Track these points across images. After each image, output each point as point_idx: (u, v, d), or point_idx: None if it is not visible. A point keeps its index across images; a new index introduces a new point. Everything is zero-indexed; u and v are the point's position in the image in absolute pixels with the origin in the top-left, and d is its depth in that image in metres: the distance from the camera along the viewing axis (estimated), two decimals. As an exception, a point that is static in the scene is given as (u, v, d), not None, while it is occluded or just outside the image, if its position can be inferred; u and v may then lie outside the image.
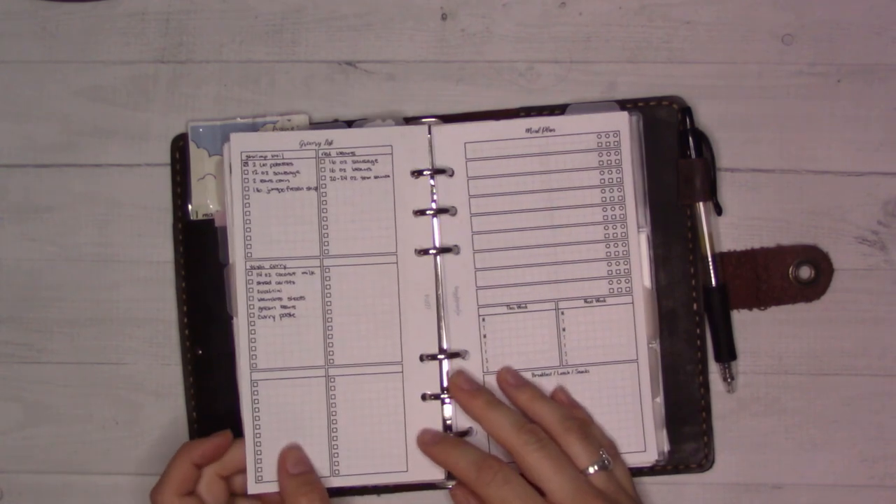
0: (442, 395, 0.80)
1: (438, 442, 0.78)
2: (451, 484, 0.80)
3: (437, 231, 0.81)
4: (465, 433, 0.80)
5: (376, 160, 0.81)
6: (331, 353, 0.80)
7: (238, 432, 0.79)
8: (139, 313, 0.83)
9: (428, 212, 0.80)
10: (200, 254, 0.82)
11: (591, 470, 0.74)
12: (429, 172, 0.81)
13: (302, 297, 0.80)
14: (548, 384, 0.80)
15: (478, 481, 0.74)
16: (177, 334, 0.83)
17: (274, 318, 0.80)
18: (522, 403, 0.78)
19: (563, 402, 0.79)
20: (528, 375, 0.80)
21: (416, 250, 0.80)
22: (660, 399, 0.80)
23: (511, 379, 0.79)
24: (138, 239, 0.84)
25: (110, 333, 0.83)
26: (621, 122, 0.80)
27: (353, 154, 0.81)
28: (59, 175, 0.84)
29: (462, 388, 0.79)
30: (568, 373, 0.80)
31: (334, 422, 0.80)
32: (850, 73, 0.82)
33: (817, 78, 0.82)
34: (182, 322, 0.83)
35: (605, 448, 0.76)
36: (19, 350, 0.84)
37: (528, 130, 0.81)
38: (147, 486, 0.81)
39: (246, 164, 0.80)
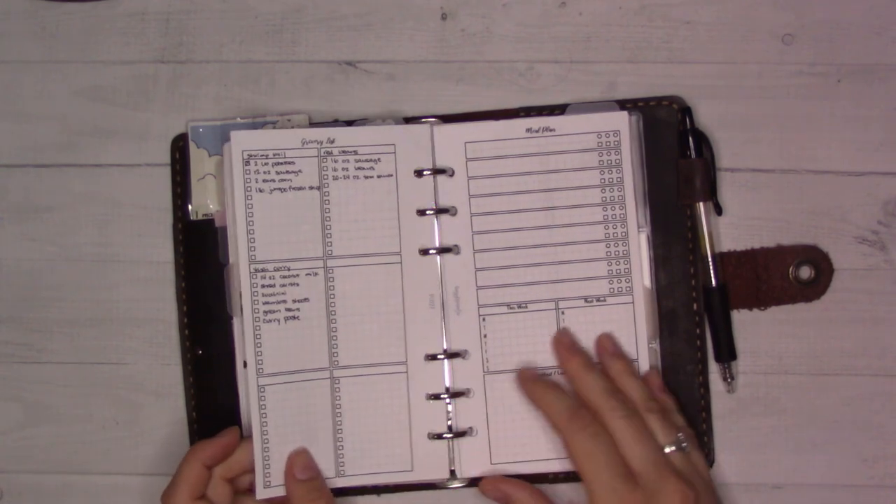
0: (443, 395, 0.80)
1: (538, 381, 0.79)
2: (453, 484, 0.80)
3: (438, 230, 0.81)
4: (463, 433, 0.80)
5: (379, 159, 0.81)
6: (335, 354, 0.80)
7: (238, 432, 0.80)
8: (139, 313, 0.83)
9: (429, 212, 0.80)
10: (200, 254, 0.82)
11: (666, 449, 0.74)
12: (430, 172, 0.80)
13: (306, 300, 0.80)
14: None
15: (569, 427, 0.75)
16: (177, 334, 0.83)
17: (279, 321, 0.80)
18: (613, 373, 0.78)
19: (653, 385, 0.79)
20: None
21: (419, 250, 0.80)
22: (660, 399, 0.81)
23: (610, 346, 0.79)
24: (138, 239, 0.83)
25: (110, 333, 0.83)
26: (621, 122, 0.80)
27: (355, 153, 0.80)
28: (59, 175, 0.84)
29: (563, 344, 0.79)
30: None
31: (339, 423, 0.80)
32: (850, 73, 0.82)
33: (817, 78, 0.82)
34: (182, 322, 0.82)
35: (683, 432, 0.76)
36: (19, 350, 0.83)
37: (528, 130, 0.81)
38: (147, 486, 0.82)
39: (248, 163, 0.80)
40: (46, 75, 0.84)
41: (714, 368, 0.82)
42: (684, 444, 0.75)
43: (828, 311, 0.82)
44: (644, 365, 0.80)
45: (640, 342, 0.80)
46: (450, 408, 0.80)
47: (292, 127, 0.82)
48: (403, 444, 0.80)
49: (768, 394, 0.82)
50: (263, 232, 0.80)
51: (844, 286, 0.82)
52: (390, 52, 0.84)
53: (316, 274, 0.80)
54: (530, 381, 0.79)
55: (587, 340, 0.80)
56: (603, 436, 0.74)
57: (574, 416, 0.75)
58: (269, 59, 0.84)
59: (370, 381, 0.80)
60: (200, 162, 0.82)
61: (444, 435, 0.80)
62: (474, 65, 0.83)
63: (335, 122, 0.83)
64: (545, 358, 0.80)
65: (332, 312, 0.80)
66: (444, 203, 0.81)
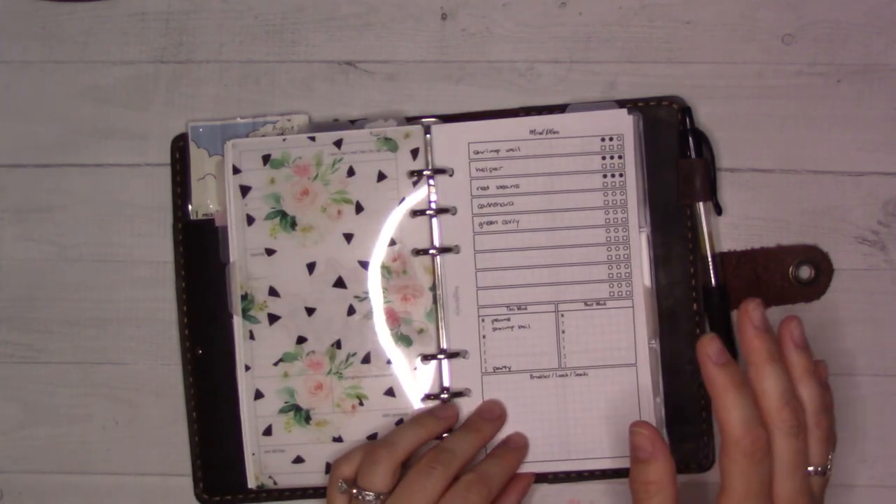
0: (442, 395, 0.80)
1: (725, 367, 0.69)
2: None
3: (438, 231, 0.81)
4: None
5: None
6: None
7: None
8: (139, 313, 0.83)
9: (428, 212, 0.80)
10: (200, 254, 0.82)
11: (810, 468, 0.70)
12: (428, 172, 0.80)
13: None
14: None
15: (738, 445, 0.67)
16: (177, 334, 0.83)
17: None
18: (795, 372, 0.71)
19: (823, 377, 0.74)
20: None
21: (413, 250, 0.80)
22: (660, 399, 0.80)
23: (797, 336, 0.71)
24: (138, 239, 0.84)
25: (110, 333, 0.83)
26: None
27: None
28: (59, 175, 0.84)
29: (753, 322, 0.70)
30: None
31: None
32: (850, 73, 0.82)
33: (817, 78, 0.82)
34: (182, 322, 0.83)
35: (834, 449, 0.72)
36: (19, 350, 0.84)
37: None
38: (147, 486, 0.82)
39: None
40: (46, 75, 0.84)
41: (714, 368, 0.82)
42: (829, 469, 0.71)
43: (828, 311, 0.82)
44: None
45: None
46: (449, 408, 0.81)
47: (292, 127, 0.82)
48: None
49: (768, 394, 0.81)
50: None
51: (844, 286, 0.82)
52: (390, 52, 0.84)
53: None
54: (717, 364, 0.69)
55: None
56: (765, 462, 0.68)
57: (747, 433, 0.68)
58: (269, 59, 0.84)
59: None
60: (200, 162, 0.83)
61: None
62: (474, 65, 0.83)
63: (335, 123, 0.83)
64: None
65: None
66: (444, 203, 0.81)
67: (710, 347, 0.69)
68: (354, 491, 0.75)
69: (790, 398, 0.69)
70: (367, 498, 0.74)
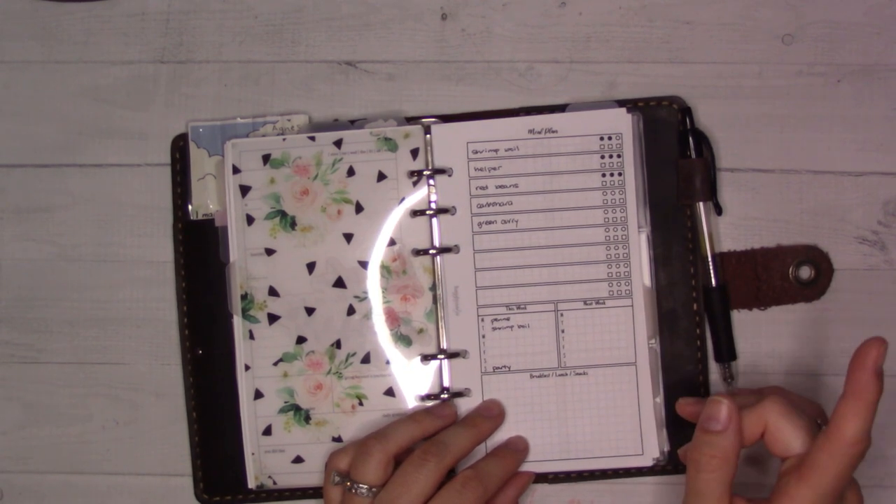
0: (442, 395, 0.80)
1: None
2: None
3: (437, 230, 0.81)
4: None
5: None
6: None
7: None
8: (139, 313, 0.83)
9: (427, 212, 0.80)
10: (200, 254, 0.82)
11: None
12: (428, 172, 0.80)
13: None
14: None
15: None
16: (177, 334, 0.83)
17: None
18: None
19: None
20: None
21: (413, 250, 0.80)
22: (660, 399, 0.80)
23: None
24: (138, 239, 0.84)
25: (110, 333, 0.83)
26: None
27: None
28: (59, 175, 0.84)
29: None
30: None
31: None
32: (850, 73, 0.82)
33: (817, 78, 0.82)
34: (182, 322, 0.83)
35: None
36: (19, 350, 0.84)
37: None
38: (147, 486, 0.82)
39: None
40: (46, 75, 0.84)
41: (714, 368, 0.81)
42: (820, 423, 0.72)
43: (828, 311, 0.82)
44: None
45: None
46: (449, 408, 0.81)
47: (292, 127, 0.82)
48: None
49: (768, 394, 0.81)
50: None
51: (844, 286, 0.82)
52: (390, 52, 0.84)
53: None
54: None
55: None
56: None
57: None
58: (269, 59, 0.84)
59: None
60: (200, 162, 0.83)
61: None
62: (474, 65, 0.83)
63: (335, 123, 0.83)
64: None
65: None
66: (443, 203, 0.81)
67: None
68: (348, 484, 0.75)
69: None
70: (361, 490, 0.74)
